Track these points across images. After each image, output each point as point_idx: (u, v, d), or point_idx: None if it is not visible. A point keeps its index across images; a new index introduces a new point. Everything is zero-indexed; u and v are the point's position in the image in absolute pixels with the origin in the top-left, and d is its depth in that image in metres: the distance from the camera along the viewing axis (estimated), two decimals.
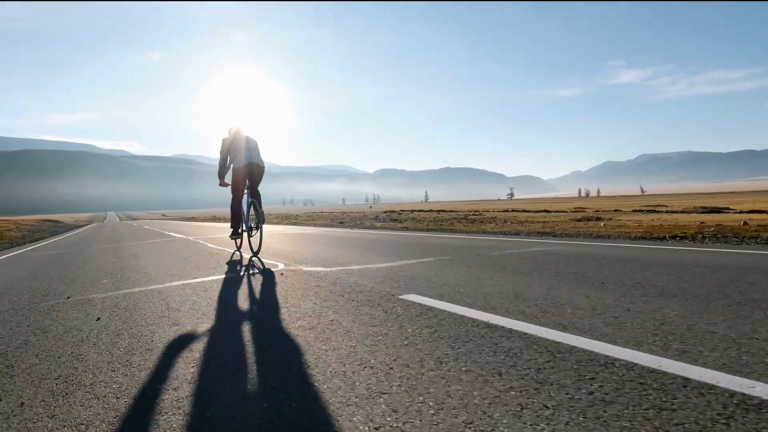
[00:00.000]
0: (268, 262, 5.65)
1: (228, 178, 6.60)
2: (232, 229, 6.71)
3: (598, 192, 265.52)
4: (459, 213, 24.72)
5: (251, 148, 6.30)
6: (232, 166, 6.35)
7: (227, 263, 5.79)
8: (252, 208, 6.31)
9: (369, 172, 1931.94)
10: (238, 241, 7.00)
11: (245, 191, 6.40)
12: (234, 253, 6.94)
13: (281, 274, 4.56)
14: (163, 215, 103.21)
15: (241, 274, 4.83)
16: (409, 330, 2.36)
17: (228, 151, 6.41)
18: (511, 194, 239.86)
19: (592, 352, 1.91)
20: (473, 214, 21.66)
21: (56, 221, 53.15)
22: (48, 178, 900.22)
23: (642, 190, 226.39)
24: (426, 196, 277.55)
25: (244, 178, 6.26)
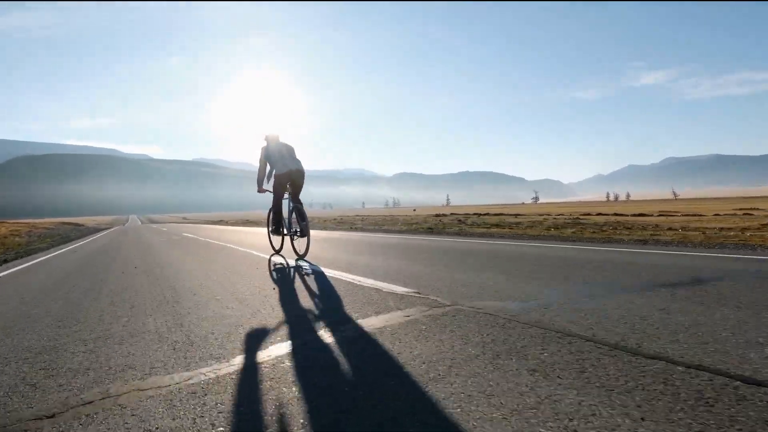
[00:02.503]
0: None
1: (267, 185, 6.68)
2: (273, 227, 6.70)
3: (627, 196, 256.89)
4: (533, 217, 20.00)
5: (289, 155, 6.45)
6: (274, 172, 6.41)
7: None
8: (296, 213, 6.40)
9: (387, 175, 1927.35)
10: (276, 245, 7.19)
11: (286, 197, 6.57)
12: (271, 257, 6.73)
13: None
14: (184, 218, 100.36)
15: None
16: None
17: (267, 158, 6.50)
18: (536, 198, 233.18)
19: None
20: (583, 218, 16.93)
21: (76, 224, 50.06)
22: (71, 181, 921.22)
23: (674, 194, 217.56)
24: (447, 200, 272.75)
25: (285, 184, 6.43)
